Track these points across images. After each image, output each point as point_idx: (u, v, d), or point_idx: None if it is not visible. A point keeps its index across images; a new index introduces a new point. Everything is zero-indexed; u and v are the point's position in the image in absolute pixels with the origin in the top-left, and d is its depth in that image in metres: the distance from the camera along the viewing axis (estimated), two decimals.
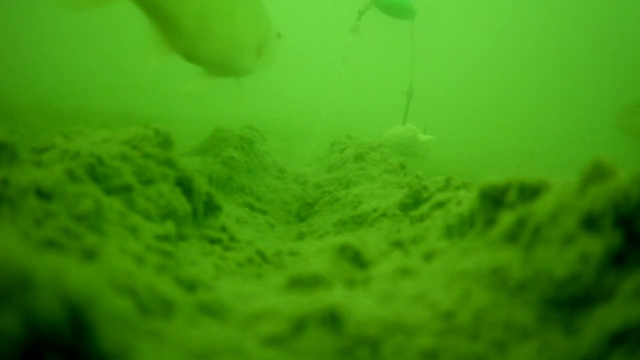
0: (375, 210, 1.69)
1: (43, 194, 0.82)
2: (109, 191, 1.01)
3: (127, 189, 1.04)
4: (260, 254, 1.19)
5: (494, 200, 0.85)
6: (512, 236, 0.75)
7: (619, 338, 0.54)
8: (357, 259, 0.91)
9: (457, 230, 0.95)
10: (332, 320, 0.62)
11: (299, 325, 0.62)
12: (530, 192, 0.81)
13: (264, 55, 2.74)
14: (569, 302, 0.62)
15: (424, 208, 1.41)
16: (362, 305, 0.66)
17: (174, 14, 2.19)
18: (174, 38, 2.31)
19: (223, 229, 1.27)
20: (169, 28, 2.26)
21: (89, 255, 0.70)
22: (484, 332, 0.62)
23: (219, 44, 2.47)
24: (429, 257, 0.90)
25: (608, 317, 0.56)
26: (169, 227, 0.97)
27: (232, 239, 1.26)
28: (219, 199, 1.34)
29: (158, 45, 2.30)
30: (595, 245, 0.62)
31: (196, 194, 1.23)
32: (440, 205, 1.35)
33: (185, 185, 1.20)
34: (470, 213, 0.92)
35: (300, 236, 1.73)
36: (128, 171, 1.07)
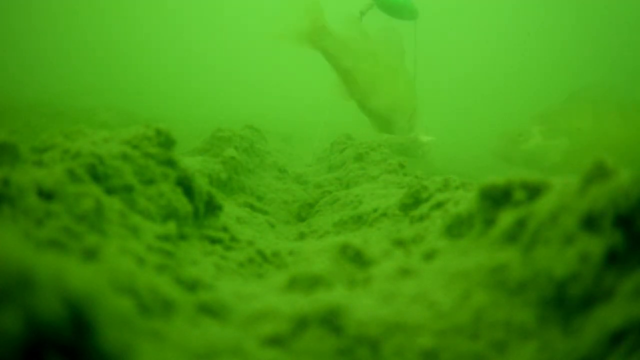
0: (375, 210, 1.69)
1: (44, 194, 0.83)
2: (110, 191, 1.01)
3: (127, 189, 1.04)
4: (261, 254, 1.19)
5: (494, 200, 0.85)
6: (512, 236, 0.75)
7: (619, 338, 0.54)
8: (357, 258, 0.91)
9: (457, 230, 0.96)
10: (333, 320, 0.62)
11: (300, 325, 0.62)
12: (531, 191, 0.81)
13: (411, 123, 3.89)
14: (568, 302, 0.62)
15: (424, 208, 1.41)
16: (363, 305, 0.66)
17: (352, 73, 3.37)
18: (351, 89, 3.48)
19: (224, 228, 1.27)
20: (348, 81, 3.46)
21: (90, 255, 0.71)
22: (484, 332, 0.63)
23: (383, 101, 3.62)
24: (429, 257, 0.91)
25: (608, 317, 0.57)
26: (170, 227, 0.97)
27: (233, 238, 1.26)
28: (220, 199, 1.34)
29: (340, 91, 3.53)
30: (595, 245, 0.62)
31: (197, 193, 1.23)
32: (440, 205, 1.36)
33: (186, 185, 1.20)
34: (470, 213, 0.92)
35: (301, 236, 1.73)
36: (129, 171, 1.07)
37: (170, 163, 1.18)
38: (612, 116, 4.36)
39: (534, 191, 0.80)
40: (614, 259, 0.61)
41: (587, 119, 4.41)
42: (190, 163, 1.94)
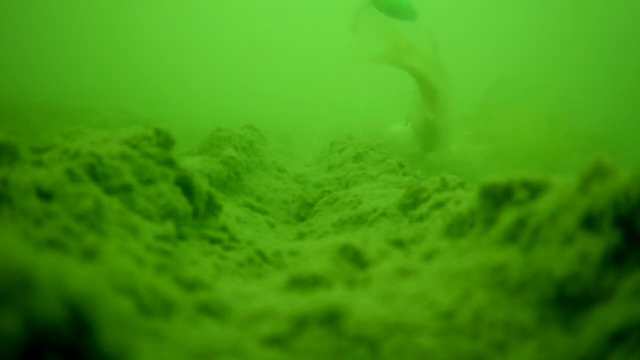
0: (375, 210, 1.69)
1: (43, 194, 0.82)
2: (109, 191, 1.01)
3: (127, 189, 1.04)
4: (261, 254, 1.19)
5: (495, 199, 0.85)
6: (512, 236, 0.75)
7: (619, 338, 0.54)
8: (357, 259, 0.91)
9: (457, 229, 0.96)
10: (332, 320, 0.62)
11: (299, 326, 0.62)
12: (531, 191, 0.81)
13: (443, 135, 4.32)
14: (568, 302, 0.62)
15: (423, 208, 1.41)
16: (362, 305, 0.66)
17: (436, 90, 3.92)
18: (432, 105, 3.96)
19: (224, 229, 1.27)
20: (431, 98, 3.96)
21: (90, 255, 0.70)
22: (484, 332, 0.62)
23: (449, 119, 4.08)
24: (429, 257, 0.91)
25: (608, 316, 0.57)
26: (170, 227, 0.97)
27: (232, 239, 1.26)
28: (220, 199, 1.34)
29: (420, 102, 4.02)
30: (595, 245, 0.62)
31: (197, 194, 1.23)
32: (440, 205, 1.36)
33: (185, 185, 1.20)
34: (471, 213, 0.92)
35: (301, 236, 1.73)
36: (128, 171, 1.07)
37: (170, 163, 1.18)
38: (527, 122, 4.77)
39: (535, 190, 0.80)
40: (613, 259, 0.61)
41: (506, 125, 4.81)
42: (190, 163, 1.94)
